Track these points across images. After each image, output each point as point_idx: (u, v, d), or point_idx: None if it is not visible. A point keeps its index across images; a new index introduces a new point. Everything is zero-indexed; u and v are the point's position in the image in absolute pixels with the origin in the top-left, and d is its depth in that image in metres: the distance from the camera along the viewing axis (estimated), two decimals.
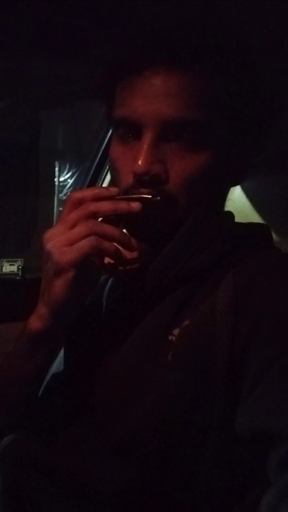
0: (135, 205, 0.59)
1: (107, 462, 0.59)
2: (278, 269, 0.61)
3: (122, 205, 0.59)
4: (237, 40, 0.62)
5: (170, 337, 0.60)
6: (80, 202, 0.60)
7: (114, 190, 0.61)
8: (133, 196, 0.60)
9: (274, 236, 0.74)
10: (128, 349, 0.63)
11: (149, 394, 0.58)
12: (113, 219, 0.61)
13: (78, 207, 0.60)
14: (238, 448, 0.56)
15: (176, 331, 0.60)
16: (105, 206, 0.59)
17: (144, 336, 0.62)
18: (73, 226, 0.59)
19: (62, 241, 0.58)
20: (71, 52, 0.77)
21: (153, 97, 0.59)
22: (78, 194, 0.61)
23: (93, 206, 0.59)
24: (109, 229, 0.59)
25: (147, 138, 0.60)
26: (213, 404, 0.55)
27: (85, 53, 0.75)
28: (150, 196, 0.60)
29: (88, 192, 0.61)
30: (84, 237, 0.58)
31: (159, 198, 0.60)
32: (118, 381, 0.62)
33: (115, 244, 0.59)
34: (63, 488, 0.60)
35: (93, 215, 0.59)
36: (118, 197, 0.60)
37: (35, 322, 0.61)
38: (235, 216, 0.70)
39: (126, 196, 0.61)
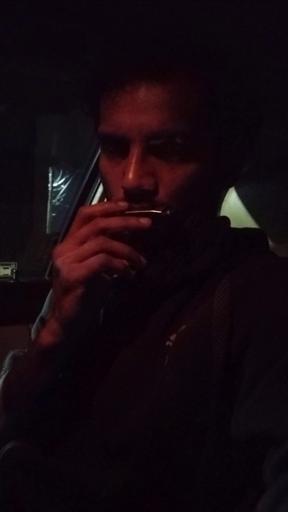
0: (145, 221, 0.58)
1: (106, 465, 0.59)
2: (275, 271, 0.61)
3: (132, 222, 0.58)
4: (218, 44, 0.61)
5: (167, 343, 0.60)
6: (90, 218, 0.59)
7: (123, 204, 0.60)
8: (143, 211, 0.60)
9: (270, 242, 0.75)
10: (127, 352, 0.63)
11: (147, 397, 0.58)
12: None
13: (88, 223, 0.59)
14: (235, 451, 0.56)
15: (173, 337, 0.60)
16: (115, 222, 0.58)
17: (142, 340, 0.62)
18: (83, 242, 0.58)
19: (71, 258, 0.57)
20: (67, 57, 0.77)
21: (136, 111, 0.59)
22: (88, 210, 0.60)
23: (103, 223, 0.58)
24: (118, 246, 0.58)
25: (134, 153, 0.60)
26: (210, 406, 0.56)
27: (81, 58, 0.75)
28: (160, 211, 0.60)
29: (98, 208, 0.60)
30: (94, 254, 0.57)
31: (168, 212, 0.60)
32: (116, 384, 0.62)
33: (123, 261, 0.59)
34: (62, 491, 0.60)
35: (103, 232, 0.58)
36: (127, 212, 0.60)
37: (46, 337, 0.61)
38: (231, 221, 0.71)
39: (136, 212, 0.60)
